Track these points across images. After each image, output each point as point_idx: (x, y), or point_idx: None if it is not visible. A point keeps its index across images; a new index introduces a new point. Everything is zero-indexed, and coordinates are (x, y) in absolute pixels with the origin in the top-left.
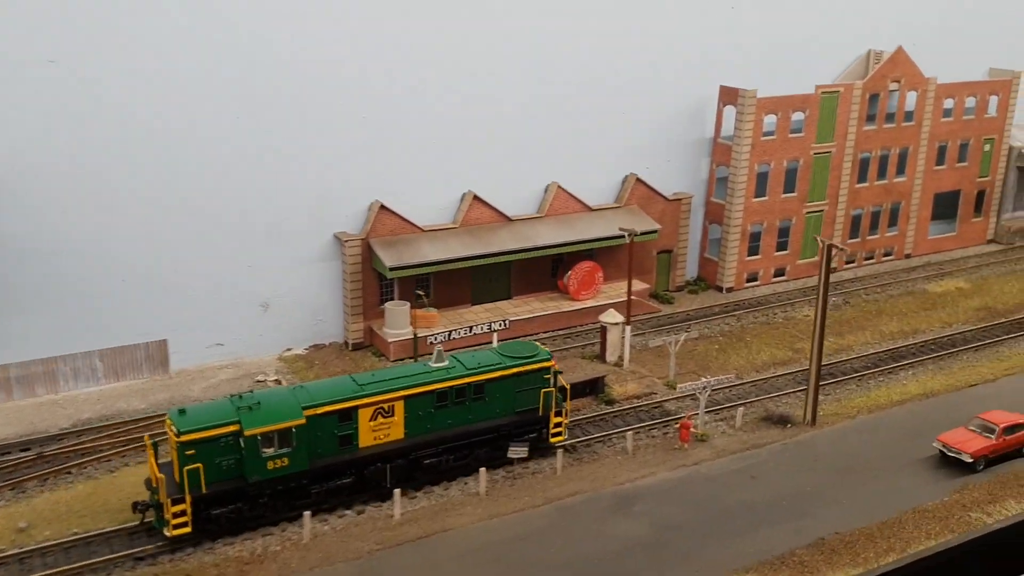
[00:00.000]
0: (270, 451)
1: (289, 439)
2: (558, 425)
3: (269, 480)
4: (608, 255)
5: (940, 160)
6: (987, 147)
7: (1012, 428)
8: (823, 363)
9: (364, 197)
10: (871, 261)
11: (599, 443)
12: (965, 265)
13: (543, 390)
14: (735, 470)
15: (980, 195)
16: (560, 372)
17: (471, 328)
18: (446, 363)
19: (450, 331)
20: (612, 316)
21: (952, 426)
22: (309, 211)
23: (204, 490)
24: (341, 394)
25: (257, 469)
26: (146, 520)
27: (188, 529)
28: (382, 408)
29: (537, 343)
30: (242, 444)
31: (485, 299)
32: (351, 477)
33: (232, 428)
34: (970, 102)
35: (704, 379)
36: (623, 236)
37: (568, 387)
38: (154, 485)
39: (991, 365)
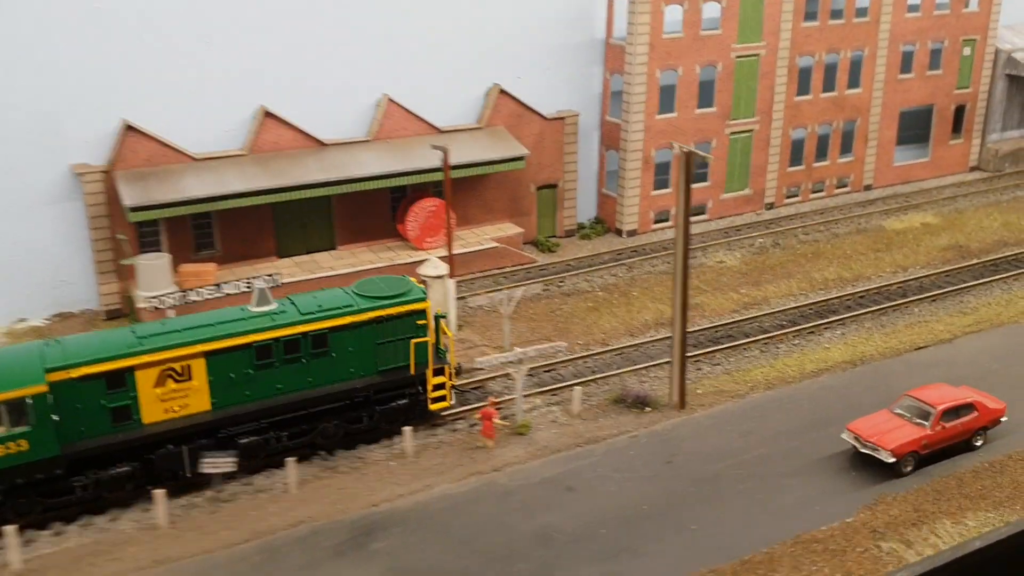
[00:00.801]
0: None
1: (23, 413)
2: (440, 386)
3: (1, 472)
4: (471, 191)
5: (906, 67)
6: (967, 51)
7: (955, 411)
8: (715, 324)
9: (112, 115)
10: (820, 194)
11: (371, 442)
12: (938, 196)
13: (416, 340)
14: (548, 479)
15: (959, 111)
16: (443, 316)
17: (219, 286)
18: (272, 307)
19: (183, 292)
20: (433, 267)
21: (879, 406)
22: (34, 134)
23: None
24: (110, 351)
25: None
26: None
27: None
28: (172, 370)
29: (411, 278)
30: None
31: (297, 250)
32: (130, 464)
33: None
34: None
35: (516, 350)
36: (482, 164)
37: (452, 336)
38: None
39: (949, 320)
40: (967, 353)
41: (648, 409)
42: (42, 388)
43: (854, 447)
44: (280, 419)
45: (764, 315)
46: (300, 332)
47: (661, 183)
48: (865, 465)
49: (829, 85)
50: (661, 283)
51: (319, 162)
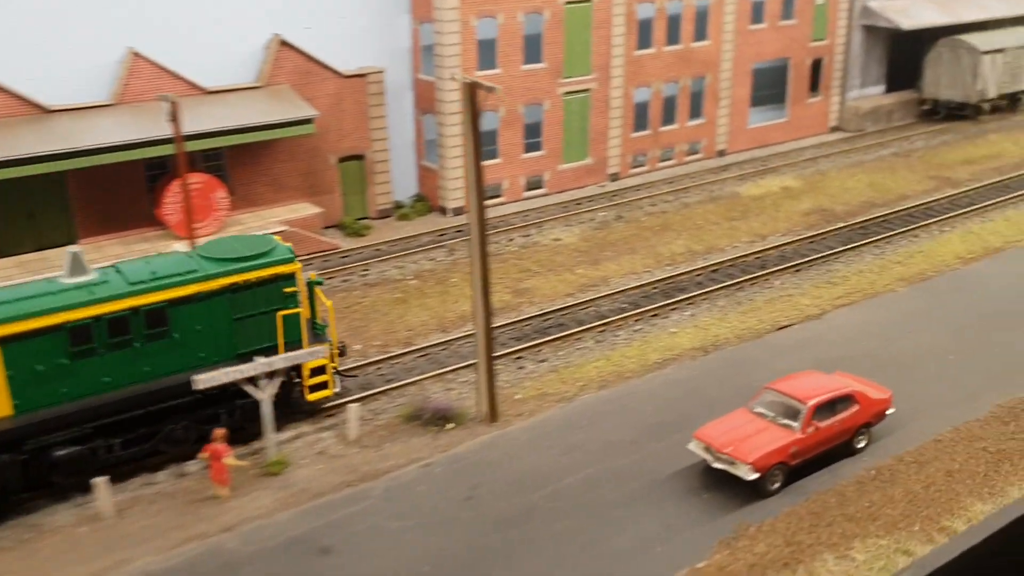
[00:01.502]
0: None
1: None
2: (320, 371)
3: None
4: (255, 164)
5: (756, 17)
6: None
7: (830, 406)
8: (544, 312)
9: None
10: (670, 163)
11: (56, 500)
12: (798, 159)
13: (284, 313)
14: (297, 538)
15: (816, 66)
16: (320, 283)
17: None
18: (91, 276)
19: None
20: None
21: (735, 403)
22: None
23: None
24: None
25: None
26: None
27: None
28: None
29: (276, 237)
30: None
31: (21, 246)
32: None
33: None
34: None
35: (259, 360)
36: (256, 129)
37: (332, 307)
38: None
39: (817, 293)
40: (840, 330)
41: (451, 426)
42: None
43: (705, 460)
44: (109, 422)
45: (602, 297)
46: (129, 307)
47: (489, 152)
48: (721, 483)
49: (673, 37)
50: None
51: (40, 132)
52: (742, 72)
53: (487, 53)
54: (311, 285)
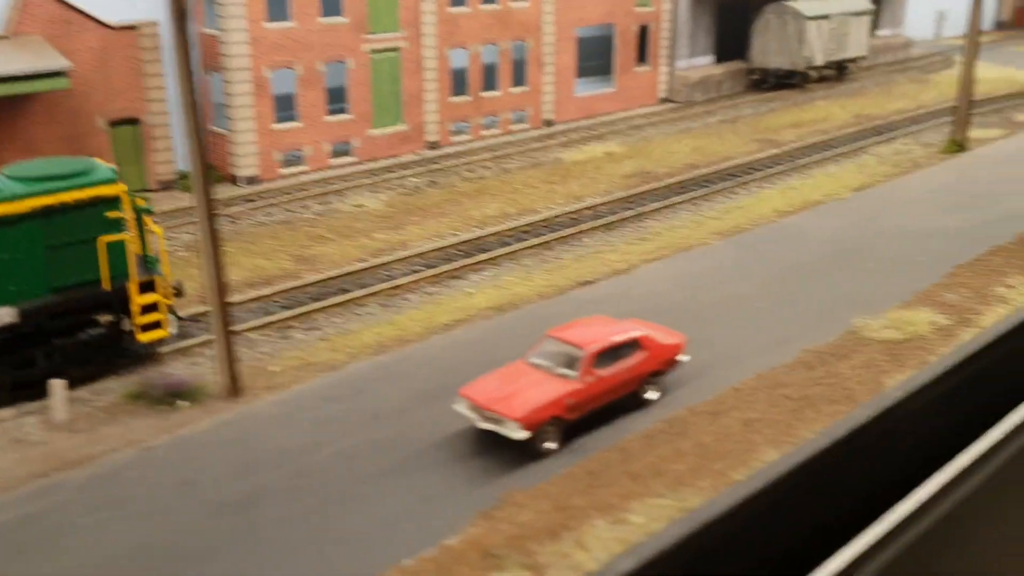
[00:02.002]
0: None
1: None
2: (152, 308)
3: None
4: (4, 128)
5: None
6: None
7: (613, 352)
8: (326, 278)
9: None
10: (494, 131)
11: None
12: (625, 127)
13: (108, 239)
14: None
15: (643, 34)
16: (148, 210)
17: None
18: None
19: None
20: None
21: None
22: None
23: None
24: None
25: None
26: None
27: None
28: None
29: (97, 159)
30: None
31: None
32: None
33: None
34: None
35: None
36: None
37: (162, 235)
38: None
39: (627, 248)
40: (647, 284)
41: (184, 404)
42: None
43: (473, 421)
44: None
45: (397, 261)
46: None
47: (286, 115)
48: (492, 447)
49: None
50: (274, 235)
51: None
52: (566, 38)
53: (278, 3)
54: (139, 212)
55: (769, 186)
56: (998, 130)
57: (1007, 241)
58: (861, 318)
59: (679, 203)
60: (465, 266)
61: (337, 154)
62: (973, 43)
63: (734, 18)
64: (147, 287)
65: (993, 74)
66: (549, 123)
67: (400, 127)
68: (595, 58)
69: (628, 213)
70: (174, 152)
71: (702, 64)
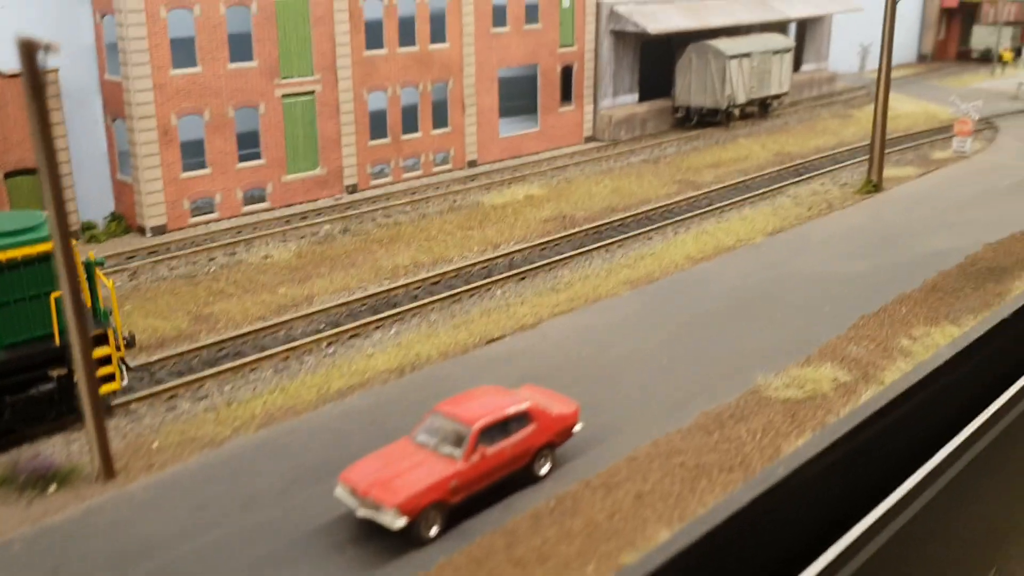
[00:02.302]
0: None
1: None
2: (105, 362)
3: None
4: None
5: (499, 20)
6: (566, 1)
7: (501, 427)
8: (222, 339)
9: None
10: (416, 173)
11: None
12: (548, 167)
13: (58, 294)
14: None
15: (567, 74)
16: (100, 263)
17: None
18: None
19: None
20: None
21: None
22: None
23: None
24: None
25: None
26: None
27: None
28: None
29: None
30: None
31: None
32: None
33: None
34: None
35: None
36: None
37: (113, 287)
38: None
39: (537, 301)
40: (553, 339)
41: (53, 489)
42: None
43: (354, 509)
44: None
45: (299, 319)
46: None
47: (195, 162)
48: (374, 535)
49: (408, 38)
50: (174, 290)
51: None
52: (488, 78)
53: (184, 48)
54: (89, 266)
55: (684, 231)
56: (914, 168)
57: (914, 288)
58: (764, 375)
59: (593, 249)
60: (369, 323)
61: (250, 201)
62: (885, 86)
63: (658, 57)
64: (99, 340)
65: (913, 108)
66: (473, 164)
67: (316, 172)
68: (519, 98)
69: (541, 262)
70: (76, 202)
71: (626, 103)
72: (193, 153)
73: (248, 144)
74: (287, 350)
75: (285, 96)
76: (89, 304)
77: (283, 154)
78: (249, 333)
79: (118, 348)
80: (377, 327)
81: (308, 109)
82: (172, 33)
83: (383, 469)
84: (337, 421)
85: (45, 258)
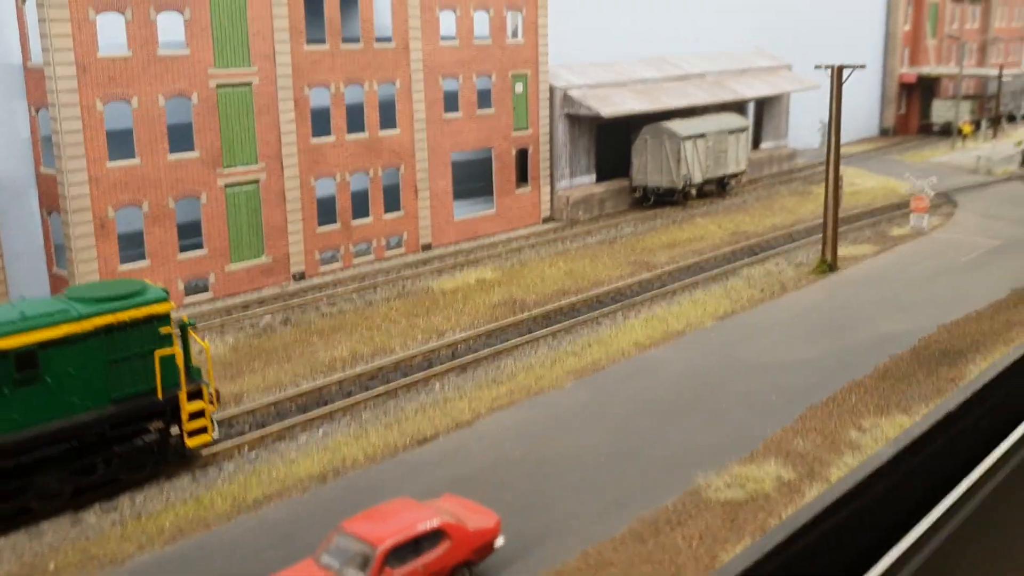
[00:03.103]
0: None
1: None
2: (198, 415)
3: None
4: None
5: (451, 105)
6: (519, 87)
7: (413, 547)
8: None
9: None
10: (367, 258)
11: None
12: (504, 250)
13: (161, 353)
14: None
15: (522, 156)
16: (192, 324)
17: None
18: None
19: None
20: None
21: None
22: None
23: None
24: None
25: None
26: None
27: None
28: None
29: (145, 281)
30: None
31: None
32: None
33: None
34: (481, 19)
35: None
36: None
37: (208, 347)
38: None
39: (477, 395)
40: (488, 437)
41: None
42: None
43: None
44: None
45: (223, 420)
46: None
47: (133, 254)
48: None
49: (356, 125)
50: None
51: None
52: (440, 163)
53: (121, 140)
54: (183, 327)
55: (634, 315)
56: (871, 246)
57: (865, 374)
58: (704, 473)
59: (541, 336)
60: (293, 425)
61: (192, 291)
62: (835, 165)
63: (615, 138)
64: (194, 395)
65: (873, 183)
66: (427, 247)
67: (262, 260)
68: (475, 180)
69: (485, 351)
70: (9, 298)
71: (584, 183)
72: (131, 245)
73: (190, 234)
74: (207, 457)
75: (228, 185)
76: (181, 363)
77: (226, 243)
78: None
79: (211, 403)
80: (304, 429)
81: (252, 197)
82: (109, 125)
83: None
84: (249, 535)
85: (149, 320)
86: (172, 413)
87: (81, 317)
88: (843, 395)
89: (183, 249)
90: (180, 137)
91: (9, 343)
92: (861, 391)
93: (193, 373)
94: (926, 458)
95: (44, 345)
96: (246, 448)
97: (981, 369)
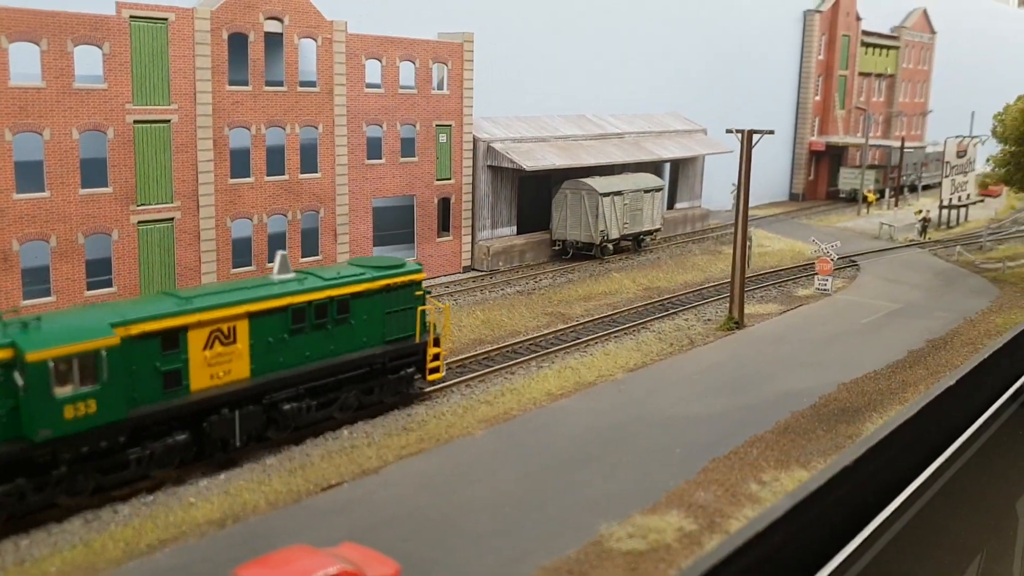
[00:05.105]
0: (67, 390)
1: (96, 370)
2: (435, 358)
3: (68, 438)
4: None
5: (374, 152)
6: (443, 138)
7: None
8: None
9: None
10: None
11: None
12: None
13: (419, 308)
14: None
15: (444, 205)
16: (428, 292)
17: None
18: (293, 275)
19: None
20: None
21: None
22: None
23: None
24: (161, 310)
25: (48, 419)
26: None
27: None
28: (219, 331)
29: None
30: (20, 381)
31: None
32: (185, 433)
33: (3, 354)
34: (407, 69)
35: None
36: None
37: (447, 307)
38: None
39: (386, 443)
40: (394, 485)
41: None
42: (114, 341)
43: None
44: (309, 387)
45: None
46: (328, 297)
47: (38, 290)
48: None
49: (277, 167)
50: None
51: None
52: (361, 208)
53: (31, 173)
54: (424, 294)
55: (548, 365)
56: (776, 305)
57: (766, 430)
58: (608, 524)
59: (453, 384)
60: (195, 469)
61: None
62: (743, 227)
63: (537, 192)
64: (435, 342)
65: (781, 246)
66: None
67: None
68: (396, 227)
69: (395, 399)
70: None
71: (505, 234)
72: (36, 280)
73: (99, 271)
74: (102, 499)
75: (141, 223)
76: (431, 319)
77: (137, 281)
78: None
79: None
80: (204, 474)
81: (166, 236)
82: (18, 156)
83: None
84: None
85: (410, 284)
86: (423, 353)
87: (373, 279)
88: (745, 449)
89: (91, 286)
90: (93, 172)
91: (335, 292)
92: (762, 445)
93: (428, 327)
94: (824, 509)
95: (356, 295)
96: (143, 492)
97: (877, 426)
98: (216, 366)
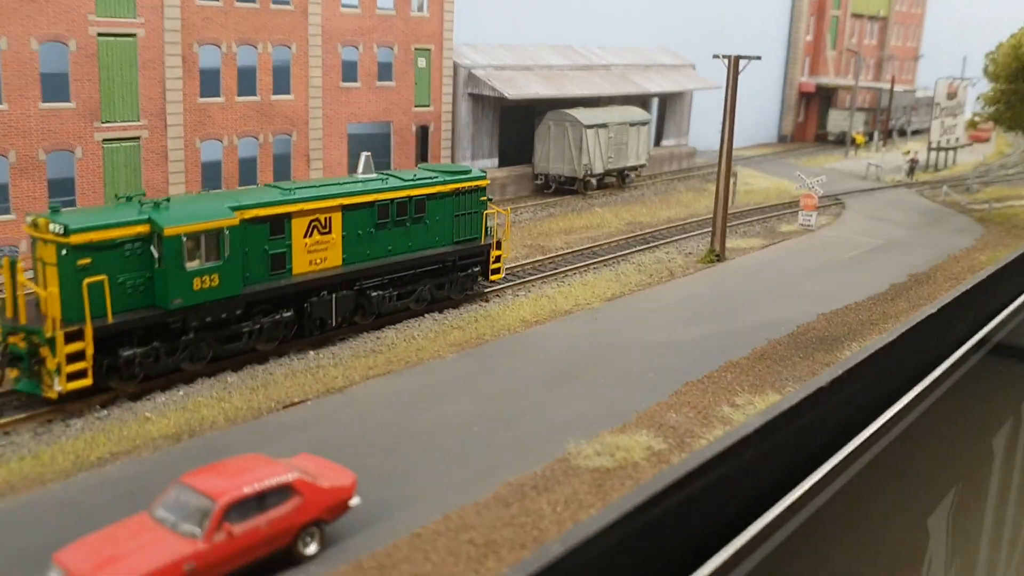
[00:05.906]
0: (196, 264)
1: (220, 247)
2: (496, 260)
3: (195, 308)
4: None
5: (350, 75)
6: (422, 62)
7: (257, 502)
8: None
9: None
10: None
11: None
12: None
13: (485, 212)
14: None
15: (423, 133)
16: (491, 199)
17: None
18: (376, 175)
19: None
20: None
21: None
22: None
23: (110, 319)
24: (270, 198)
25: (180, 289)
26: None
27: (88, 381)
28: (318, 221)
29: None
30: (156, 253)
31: None
32: (290, 311)
33: (141, 229)
34: None
35: None
36: None
37: (508, 212)
38: (21, 321)
39: (352, 363)
40: (360, 404)
41: None
42: (234, 221)
43: None
44: (391, 278)
45: None
46: (407, 196)
47: (0, 206)
48: None
49: (248, 87)
50: None
51: None
52: (336, 133)
53: None
54: (487, 200)
55: (524, 294)
56: (759, 240)
57: (742, 356)
58: (576, 442)
59: (426, 311)
60: (152, 388)
61: None
62: (727, 158)
63: (520, 124)
64: (497, 245)
65: (767, 184)
66: None
67: None
68: (372, 154)
69: (365, 322)
70: None
71: (486, 167)
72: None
73: (62, 190)
74: (50, 412)
75: (106, 140)
76: (495, 223)
77: (102, 201)
78: (8, 394)
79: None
80: (164, 389)
81: (132, 156)
82: None
83: (106, 549)
84: (87, 493)
85: (476, 190)
86: (487, 254)
87: (445, 183)
88: (719, 374)
89: (54, 199)
90: (55, 85)
91: (414, 192)
92: (737, 371)
93: (490, 232)
94: (795, 431)
95: (431, 196)
96: (96, 405)
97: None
98: (314, 252)
